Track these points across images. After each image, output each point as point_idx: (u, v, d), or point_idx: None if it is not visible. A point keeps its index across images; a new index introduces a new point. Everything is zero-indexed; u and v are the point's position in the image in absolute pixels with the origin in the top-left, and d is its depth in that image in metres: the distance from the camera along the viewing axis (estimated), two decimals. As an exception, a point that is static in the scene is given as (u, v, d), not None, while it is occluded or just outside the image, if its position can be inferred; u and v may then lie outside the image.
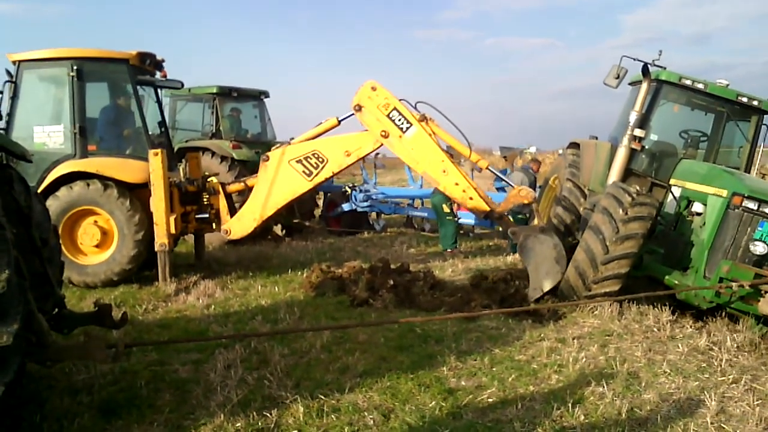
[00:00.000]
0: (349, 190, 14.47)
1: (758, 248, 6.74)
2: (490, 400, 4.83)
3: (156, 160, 8.39)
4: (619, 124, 9.63)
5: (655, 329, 6.70)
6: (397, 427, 4.38)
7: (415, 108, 8.59)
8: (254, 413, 4.50)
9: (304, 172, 8.74)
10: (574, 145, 10.46)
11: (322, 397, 4.79)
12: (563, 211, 9.63)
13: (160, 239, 8.52)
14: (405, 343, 6.21)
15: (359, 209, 14.35)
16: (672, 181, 8.48)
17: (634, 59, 8.70)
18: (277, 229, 13.37)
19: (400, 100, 8.49)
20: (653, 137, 9.10)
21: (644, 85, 8.71)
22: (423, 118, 8.54)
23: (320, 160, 8.70)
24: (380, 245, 12.80)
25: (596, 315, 7.21)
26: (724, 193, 7.12)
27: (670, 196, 8.47)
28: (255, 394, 4.89)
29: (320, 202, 15.82)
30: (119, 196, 8.53)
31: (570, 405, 4.63)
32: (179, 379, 5.33)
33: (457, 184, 8.47)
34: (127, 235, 8.57)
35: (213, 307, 7.63)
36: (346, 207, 14.43)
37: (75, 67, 8.60)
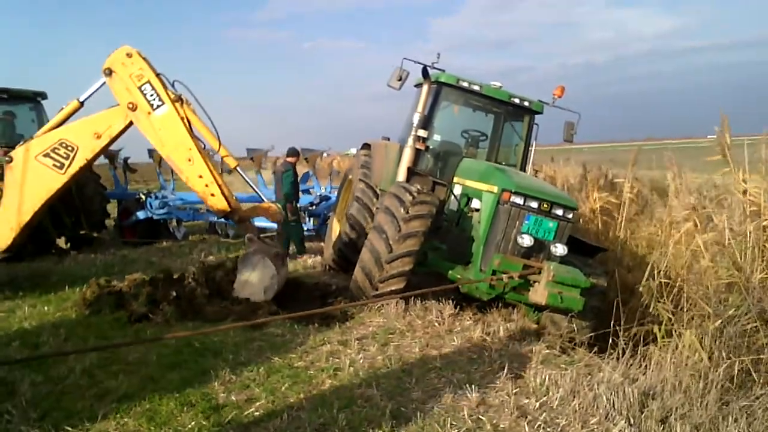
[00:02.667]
0: (143, 197, 13.66)
1: (525, 240, 7.13)
2: (257, 413, 4.62)
3: None
4: (406, 125, 9.86)
5: (436, 324, 6.89)
6: (148, 455, 4.04)
7: (173, 86, 7.90)
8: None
9: (54, 165, 7.82)
10: (367, 146, 10.56)
11: (69, 428, 4.33)
12: (357, 211, 9.68)
13: None
14: (179, 360, 5.84)
15: (155, 217, 13.58)
16: (455, 180, 8.80)
17: (416, 62, 8.91)
18: (61, 242, 12.29)
19: (158, 74, 7.80)
20: (437, 138, 9.39)
21: (425, 87, 8.98)
22: (179, 99, 7.86)
23: (69, 149, 7.83)
24: (178, 254, 12.16)
25: (383, 313, 7.28)
26: (495, 189, 7.48)
27: (454, 194, 8.77)
28: (-15, 435, 4.32)
29: (115, 211, 14.80)
30: None
31: (336, 410, 4.55)
32: None
33: (200, 176, 7.82)
34: None
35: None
36: (141, 215, 13.59)
37: None
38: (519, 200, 7.26)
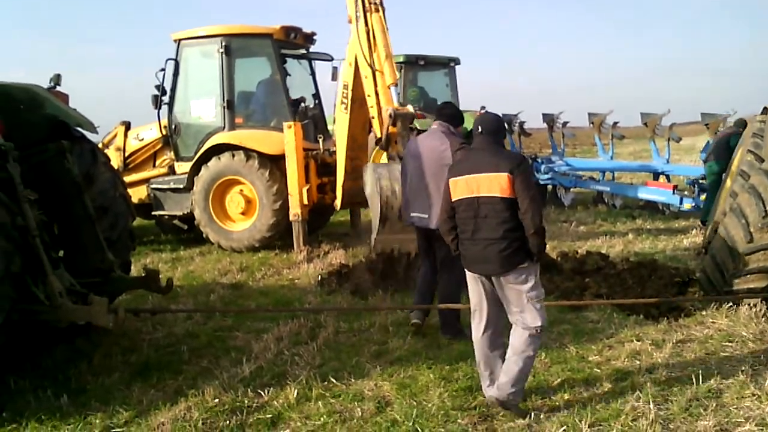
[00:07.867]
0: (530, 161, 13.69)
1: None
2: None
3: (289, 133, 8.67)
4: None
5: (799, 338, 5.38)
6: (380, 422, 4.04)
7: None
8: (249, 390, 4.47)
9: None
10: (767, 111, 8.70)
11: (335, 381, 4.61)
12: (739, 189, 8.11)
13: (294, 209, 8.82)
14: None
15: (541, 181, 13.52)
16: None
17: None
18: None
19: None
20: None
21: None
22: (375, 7, 7.74)
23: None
24: (550, 221, 11.90)
25: (731, 315, 6.00)
26: None
27: None
28: (270, 371, 4.86)
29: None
30: (259, 167, 8.97)
31: (586, 422, 3.88)
32: (229, 346, 5.51)
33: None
34: (266, 204, 9.02)
35: (321, 277, 7.70)
36: (526, 180, 13.68)
37: (223, 44, 9.21)
38: None
